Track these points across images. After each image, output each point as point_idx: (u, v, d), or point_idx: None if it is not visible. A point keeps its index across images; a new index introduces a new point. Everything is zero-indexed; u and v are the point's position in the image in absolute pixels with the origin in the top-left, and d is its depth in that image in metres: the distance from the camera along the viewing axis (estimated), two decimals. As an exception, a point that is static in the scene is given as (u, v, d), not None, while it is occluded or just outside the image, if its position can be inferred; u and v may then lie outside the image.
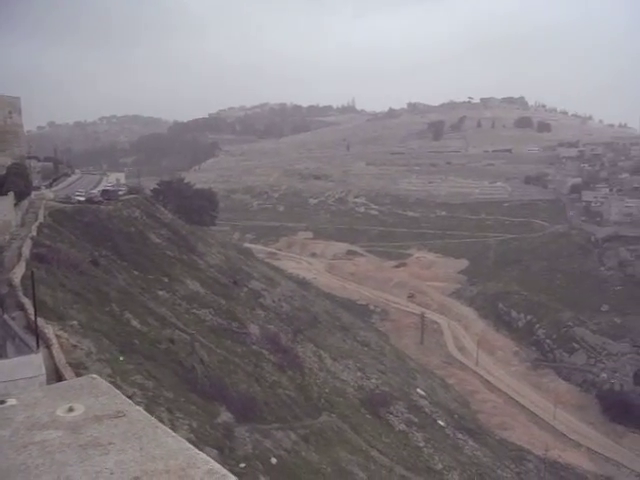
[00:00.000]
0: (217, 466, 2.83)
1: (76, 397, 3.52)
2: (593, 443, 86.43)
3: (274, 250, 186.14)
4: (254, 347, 41.65)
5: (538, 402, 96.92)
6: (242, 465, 22.29)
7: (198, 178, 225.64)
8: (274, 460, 25.66)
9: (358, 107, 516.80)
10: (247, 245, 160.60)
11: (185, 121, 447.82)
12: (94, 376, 3.92)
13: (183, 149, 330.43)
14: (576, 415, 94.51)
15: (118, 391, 3.67)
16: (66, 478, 2.76)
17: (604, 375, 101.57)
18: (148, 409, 20.03)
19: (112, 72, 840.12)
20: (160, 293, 39.42)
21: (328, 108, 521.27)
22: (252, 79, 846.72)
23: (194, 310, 41.15)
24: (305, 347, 52.09)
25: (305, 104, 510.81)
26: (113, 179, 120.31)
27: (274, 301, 68.85)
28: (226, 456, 22.32)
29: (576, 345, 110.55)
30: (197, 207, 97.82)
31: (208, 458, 2.91)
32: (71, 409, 3.35)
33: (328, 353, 55.38)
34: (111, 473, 2.80)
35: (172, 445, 3.04)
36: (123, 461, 2.89)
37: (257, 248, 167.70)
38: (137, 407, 3.46)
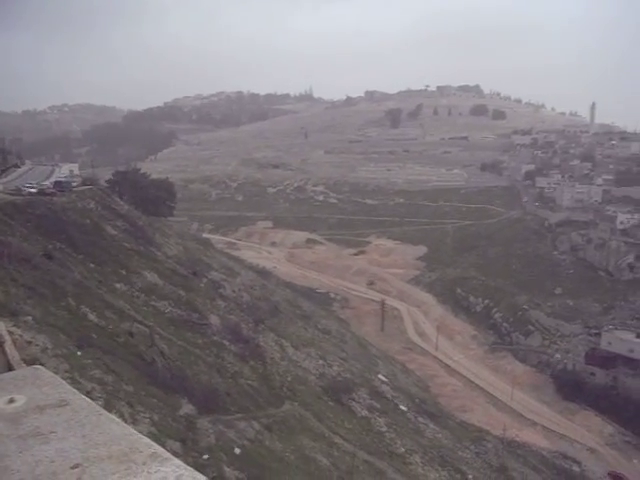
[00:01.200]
0: (160, 450, 2.71)
1: (18, 388, 3.37)
2: (548, 421, 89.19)
3: (233, 240, 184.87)
4: (215, 338, 41.24)
5: (496, 384, 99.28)
6: (205, 456, 22.08)
7: (155, 168, 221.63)
8: (238, 450, 25.50)
9: (316, 95, 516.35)
10: (206, 235, 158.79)
11: (140, 110, 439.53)
12: (38, 367, 3.72)
13: (139, 138, 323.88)
14: (532, 395, 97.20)
15: (62, 380, 3.47)
16: (4, 469, 2.67)
17: (558, 356, 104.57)
18: (108, 404, 19.63)
19: (62, 59, 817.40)
20: (117, 286, 38.59)
21: (286, 96, 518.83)
22: (209, 68, 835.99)
23: (153, 302, 40.45)
24: (266, 336, 51.90)
25: (262, 92, 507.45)
26: (66, 170, 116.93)
27: (234, 291, 68.35)
28: (189, 448, 22.06)
29: (531, 327, 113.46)
30: (154, 198, 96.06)
31: (151, 442, 2.79)
32: (12, 400, 3.22)
33: (289, 342, 55.34)
34: (51, 461, 2.74)
35: (115, 431, 3.01)
36: (64, 449, 2.83)
37: (216, 238, 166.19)
38: (81, 395, 3.28)
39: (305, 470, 29.20)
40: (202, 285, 56.91)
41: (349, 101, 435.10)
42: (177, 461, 2.63)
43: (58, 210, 49.17)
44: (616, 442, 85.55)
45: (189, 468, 2.54)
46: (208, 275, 64.19)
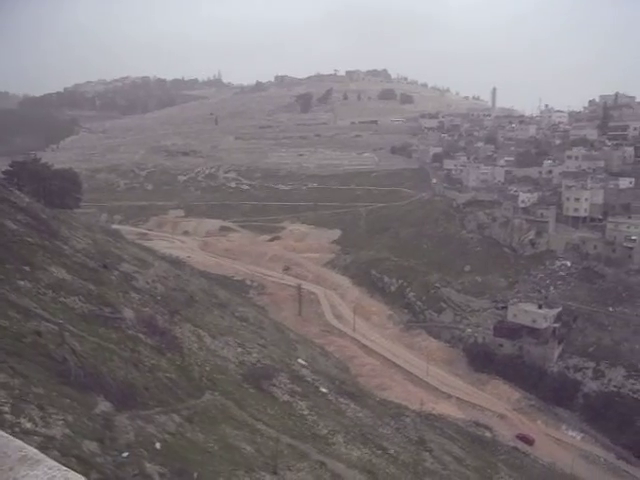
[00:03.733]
0: (32, 452, 2.53)
1: None
2: (461, 393, 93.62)
3: (145, 230, 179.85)
4: (130, 332, 39.94)
5: (412, 361, 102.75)
6: (125, 454, 21.40)
7: (57, 158, 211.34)
8: (158, 445, 24.92)
9: (225, 80, 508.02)
10: (116, 227, 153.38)
11: (37, 95, 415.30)
12: None
13: (37, 126, 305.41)
14: (446, 369, 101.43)
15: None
16: None
17: (469, 330, 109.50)
18: (15, 409, 18.57)
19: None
20: (21, 283, 36.41)
21: (194, 82, 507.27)
22: (112, 51, 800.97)
23: (61, 298, 38.54)
24: (183, 327, 50.87)
25: (169, 78, 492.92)
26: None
27: (148, 283, 66.42)
28: (107, 447, 21.30)
29: (443, 304, 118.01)
30: (58, 189, 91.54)
31: (23, 445, 2.59)
32: None
33: (207, 331, 54.52)
34: None
35: None
36: None
37: (127, 229, 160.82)
38: None
39: (229, 459, 29.02)
40: (113, 278, 54.88)
41: (259, 86, 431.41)
42: (51, 462, 2.46)
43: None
44: (522, 407, 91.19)
45: (63, 468, 2.37)
46: (119, 267, 61.97)
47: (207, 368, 43.01)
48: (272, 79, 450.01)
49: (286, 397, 47.88)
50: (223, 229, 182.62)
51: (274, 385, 48.95)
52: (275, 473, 30.29)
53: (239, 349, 56.11)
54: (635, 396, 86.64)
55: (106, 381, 28.14)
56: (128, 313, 43.54)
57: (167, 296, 64.50)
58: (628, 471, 77.45)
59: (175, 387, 35.47)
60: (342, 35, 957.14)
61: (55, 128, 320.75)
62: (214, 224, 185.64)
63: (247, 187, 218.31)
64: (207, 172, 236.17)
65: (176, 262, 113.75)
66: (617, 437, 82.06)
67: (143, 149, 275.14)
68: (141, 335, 40.56)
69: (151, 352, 38.59)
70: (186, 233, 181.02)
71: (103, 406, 25.35)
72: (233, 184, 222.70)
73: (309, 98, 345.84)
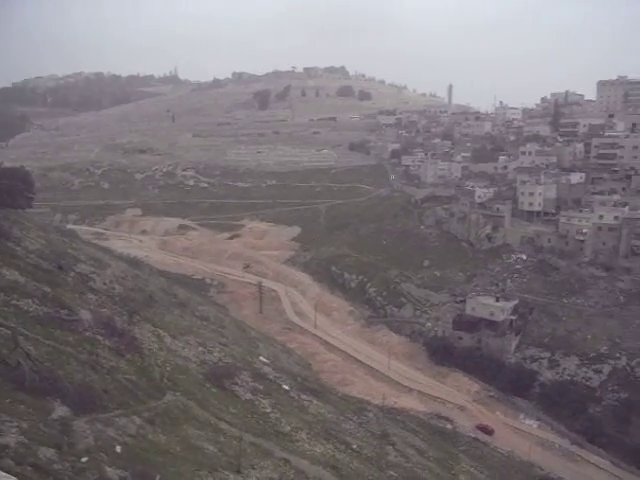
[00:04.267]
0: None
1: None
2: (422, 386, 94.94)
3: (101, 230, 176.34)
4: (87, 334, 39.06)
5: (374, 356, 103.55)
6: (84, 459, 20.89)
7: (6, 156, 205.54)
8: (119, 448, 24.44)
9: (182, 77, 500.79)
10: (71, 227, 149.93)
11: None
12: None
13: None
14: (407, 363, 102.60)
15: None
16: None
17: (429, 324, 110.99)
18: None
19: None
20: (-30, 286, 35.27)
21: (150, 78, 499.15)
22: (64, 46, 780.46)
23: (14, 301, 37.44)
24: (142, 328, 50.07)
25: (124, 74, 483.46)
26: None
27: (105, 283, 65.24)
28: (65, 453, 20.76)
29: (404, 299, 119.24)
30: (8, 188, 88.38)
31: None
32: None
33: (167, 331, 53.81)
34: None
35: None
36: None
37: (82, 229, 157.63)
38: None
39: (192, 460, 28.69)
40: (69, 279, 53.68)
41: (216, 83, 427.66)
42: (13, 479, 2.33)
43: None
44: (482, 398, 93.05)
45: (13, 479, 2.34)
46: (75, 268, 60.65)
47: (168, 368, 42.45)
48: (230, 76, 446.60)
49: (248, 395, 47.64)
50: (182, 228, 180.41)
51: (236, 384, 48.64)
52: (239, 472, 30.11)
53: (200, 348, 55.58)
54: (587, 384, 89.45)
55: (63, 385, 27.48)
56: (85, 315, 42.61)
57: (125, 296, 63.45)
58: (581, 455, 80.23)
59: (135, 389, 34.89)
60: (300, 33, 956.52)
61: (3, 125, 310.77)
62: (172, 223, 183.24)
63: (206, 185, 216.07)
64: (165, 170, 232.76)
65: (134, 262, 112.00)
66: (571, 424, 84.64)
67: (98, 147, 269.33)
68: (99, 337, 39.75)
69: (110, 354, 37.85)
70: (144, 232, 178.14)
71: (60, 411, 24.75)
72: (191, 182, 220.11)
73: (267, 95, 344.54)
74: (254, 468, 31.86)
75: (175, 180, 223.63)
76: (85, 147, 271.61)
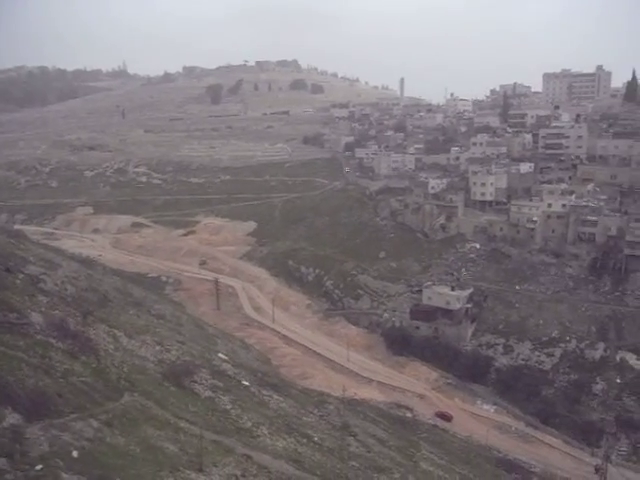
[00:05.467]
0: None
1: None
2: (382, 376, 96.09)
3: (51, 230, 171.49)
4: (39, 337, 37.91)
5: (332, 348, 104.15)
6: (38, 467, 20.29)
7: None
8: (76, 453, 23.82)
9: (131, 71, 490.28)
10: (18, 227, 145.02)
11: None
12: None
13: None
14: (366, 354, 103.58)
15: None
16: None
17: (386, 315, 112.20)
18: None
19: None
20: None
21: (97, 72, 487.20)
22: (2, 38, 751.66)
23: (-41, 306, 36.10)
24: (97, 329, 48.95)
25: (70, 68, 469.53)
26: None
27: (57, 284, 63.45)
28: (18, 462, 20.12)
29: (361, 291, 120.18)
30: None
31: None
32: None
33: (123, 331, 52.74)
34: None
35: None
36: None
37: (31, 229, 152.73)
38: None
39: (152, 460, 28.25)
40: (18, 281, 51.98)
41: (167, 77, 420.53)
42: None
43: None
44: (440, 385, 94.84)
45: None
46: (24, 270, 58.74)
47: (125, 369, 41.64)
48: (180, 70, 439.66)
49: (208, 393, 47.20)
50: (135, 225, 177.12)
51: (195, 381, 48.12)
52: (201, 470, 29.81)
53: (157, 347, 54.72)
54: (540, 367, 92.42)
55: (14, 391, 26.63)
56: (36, 317, 41.41)
57: (79, 297, 61.92)
58: (536, 436, 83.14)
59: (91, 391, 34.10)
60: (251, 26, 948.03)
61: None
62: (126, 220, 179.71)
63: (159, 181, 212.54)
64: (116, 167, 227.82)
65: (87, 261, 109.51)
66: (526, 406, 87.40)
67: (45, 144, 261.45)
68: (52, 340, 38.68)
69: (63, 356, 36.87)
70: (96, 231, 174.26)
71: (12, 418, 23.99)
72: (144, 178, 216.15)
73: (219, 89, 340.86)
74: (216, 466, 31.59)
75: (127, 177, 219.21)
76: (31, 144, 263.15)
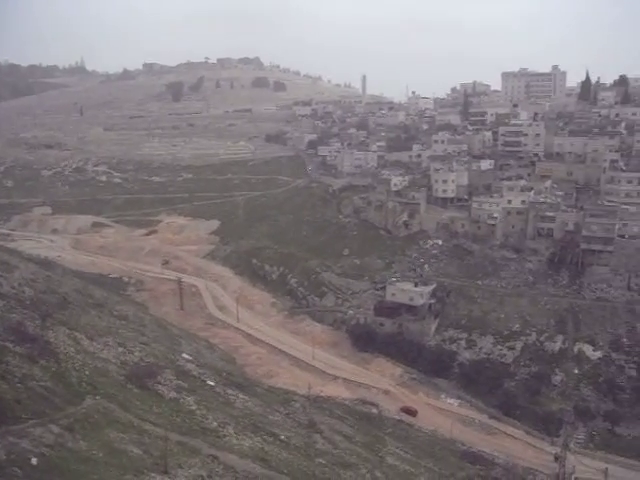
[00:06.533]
0: None
1: None
2: (347, 373, 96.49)
3: (7, 231, 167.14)
4: (-5, 341, 36.97)
5: (298, 346, 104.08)
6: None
7: None
8: (35, 460, 23.26)
9: (89, 68, 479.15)
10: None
11: None
12: None
13: None
14: (331, 352, 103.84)
15: None
16: None
17: (351, 312, 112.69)
18: None
19: None
20: None
21: (53, 68, 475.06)
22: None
23: None
24: (57, 331, 47.94)
25: (24, 63, 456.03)
26: None
27: (14, 287, 61.96)
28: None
29: (325, 289, 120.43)
30: None
31: None
32: None
33: (84, 334, 51.80)
34: None
35: None
36: None
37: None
38: None
39: (116, 464, 27.83)
40: (-28, 285, 50.57)
41: (127, 74, 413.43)
42: None
43: None
44: (405, 381, 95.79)
45: None
46: (-21, 272, 57.19)
47: (86, 372, 40.91)
48: (140, 67, 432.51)
49: (173, 394, 46.75)
50: (96, 225, 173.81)
51: (159, 383, 47.62)
52: (166, 472, 29.51)
53: (120, 349, 53.94)
54: (502, 360, 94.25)
55: (-30, 398, 25.89)
56: (-8, 321, 40.31)
57: (37, 300, 60.58)
58: (499, 428, 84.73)
59: (51, 396, 33.40)
60: (213, 23, 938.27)
61: None
62: (86, 220, 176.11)
63: (119, 180, 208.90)
64: (75, 166, 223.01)
65: (45, 263, 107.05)
66: (489, 399, 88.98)
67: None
68: (9, 344, 37.73)
69: (21, 361, 36.00)
70: (55, 231, 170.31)
71: (-32, 426, 23.31)
72: (104, 177, 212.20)
73: (180, 87, 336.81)
74: (181, 467, 31.32)
75: (86, 176, 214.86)
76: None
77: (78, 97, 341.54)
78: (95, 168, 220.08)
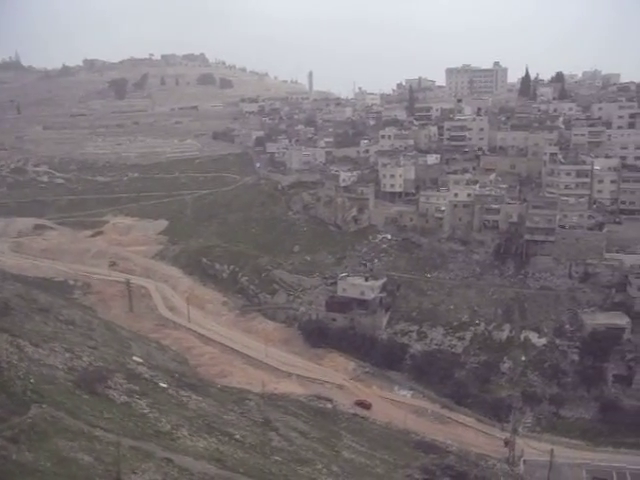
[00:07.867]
0: None
1: None
2: (301, 369, 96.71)
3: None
4: None
5: (250, 344, 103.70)
6: None
7: None
8: (-22, 474, 22.43)
9: (25, 63, 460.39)
10: None
11: None
12: None
13: None
14: (284, 349, 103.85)
15: None
16: None
17: (302, 308, 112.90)
18: None
19: None
20: None
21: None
22: None
23: None
24: (-2, 339, 46.23)
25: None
26: None
27: (-50, 294, 59.44)
28: None
29: (276, 286, 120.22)
30: None
31: None
32: None
33: (28, 340, 50.06)
34: None
35: None
36: None
37: None
38: None
39: (65, 474, 27.03)
40: None
41: (66, 71, 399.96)
42: None
43: None
44: (358, 375, 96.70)
45: None
46: None
47: (31, 380, 39.53)
48: (80, 63, 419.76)
49: (124, 398, 45.78)
50: (38, 228, 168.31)
51: (109, 387, 46.54)
52: (118, 479, 28.86)
53: (67, 354, 52.40)
54: (453, 351, 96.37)
55: None
56: None
57: (-24, 307, 58.24)
58: (451, 417, 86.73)
59: (-6, 406, 32.15)
60: (157, 19, 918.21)
61: None
62: (26, 223, 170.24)
63: (62, 181, 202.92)
64: (13, 166, 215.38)
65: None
66: (440, 389, 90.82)
67: None
68: (-54, 354, 36.12)
69: (-40, 371, 34.55)
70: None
71: None
72: (45, 178, 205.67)
73: (124, 84, 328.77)
74: (135, 472, 30.70)
75: (26, 177, 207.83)
76: None
77: (14, 94, 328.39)
78: (35, 168, 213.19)
